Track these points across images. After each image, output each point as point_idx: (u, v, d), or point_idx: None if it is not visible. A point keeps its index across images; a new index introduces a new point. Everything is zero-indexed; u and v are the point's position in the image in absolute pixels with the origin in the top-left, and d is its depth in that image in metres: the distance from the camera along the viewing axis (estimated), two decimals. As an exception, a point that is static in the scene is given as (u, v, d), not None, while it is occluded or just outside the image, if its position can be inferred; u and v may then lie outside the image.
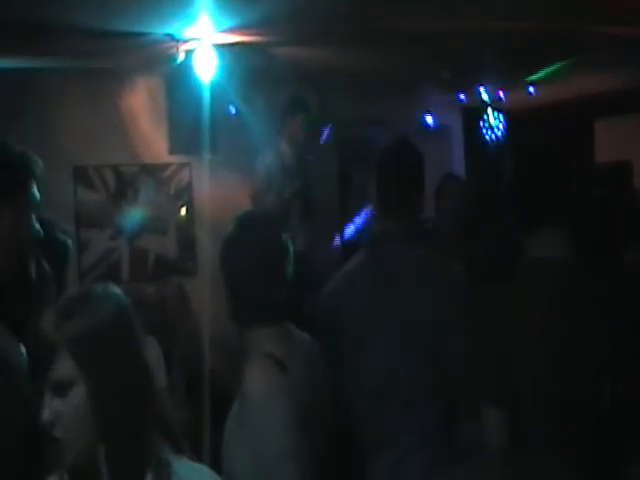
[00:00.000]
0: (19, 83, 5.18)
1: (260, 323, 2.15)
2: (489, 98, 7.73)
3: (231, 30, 4.66)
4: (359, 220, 7.27)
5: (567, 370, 2.11)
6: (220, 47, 4.93)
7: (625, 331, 2.14)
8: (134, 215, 5.91)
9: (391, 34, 4.92)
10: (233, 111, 5.97)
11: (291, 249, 2.24)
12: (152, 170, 6.09)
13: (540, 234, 2.24)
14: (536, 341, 2.14)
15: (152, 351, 5.10)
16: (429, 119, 7.77)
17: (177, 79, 5.52)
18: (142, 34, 4.64)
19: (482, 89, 7.49)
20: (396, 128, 7.11)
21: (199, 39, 4.83)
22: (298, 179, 5.88)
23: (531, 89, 7.41)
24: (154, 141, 6.10)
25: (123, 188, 5.92)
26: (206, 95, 5.07)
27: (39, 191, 2.02)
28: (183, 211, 6.21)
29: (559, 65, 6.28)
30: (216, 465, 2.13)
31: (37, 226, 2.02)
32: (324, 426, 2.20)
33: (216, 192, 5.75)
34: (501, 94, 7.60)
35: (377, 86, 6.60)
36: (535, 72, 6.59)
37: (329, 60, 5.67)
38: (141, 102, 6.01)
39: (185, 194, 6.22)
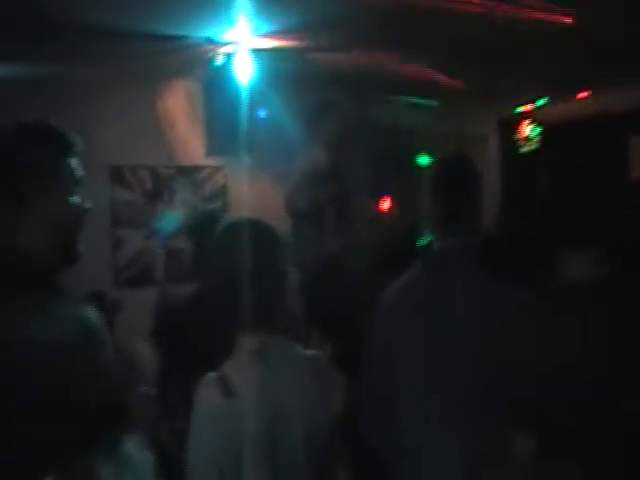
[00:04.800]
0: (59, 85, 5.26)
1: (243, 331, 2.12)
2: (527, 110, 7.70)
3: (269, 35, 4.71)
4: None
5: (595, 388, 2.07)
6: (258, 51, 4.98)
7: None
8: (170, 216, 5.97)
9: (428, 41, 4.93)
10: (263, 115, 6.01)
11: (288, 266, 2.19)
12: (188, 172, 6.16)
13: (575, 252, 2.18)
14: (572, 362, 2.08)
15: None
16: (464, 128, 7.76)
17: (214, 82, 5.58)
18: (181, 37, 4.70)
19: (519, 101, 7.46)
20: (430, 135, 7.12)
21: (237, 43, 4.89)
22: (333, 184, 5.90)
23: (567, 102, 7.37)
24: (190, 144, 6.16)
25: (159, 189, 5.98)
26: (243, 99, 5.12)
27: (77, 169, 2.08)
28: (218, 214, 6.25)
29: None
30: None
31: (79, 200, 2.06)
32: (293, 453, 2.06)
33: (250, 195, 5.79)
34: (539, 106, 7.57)
35: (415, 91, 6.61)
36: (576, 87, 6.57)
37: (366, 66, 5.69)
38: (178, 104, 6.08)
39: (220, 197, 6.27)
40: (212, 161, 6.26)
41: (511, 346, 2.18)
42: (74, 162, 2.05)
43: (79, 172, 2.07)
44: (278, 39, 4.85)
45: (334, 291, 3.90)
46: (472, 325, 2.40)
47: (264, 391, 2.02)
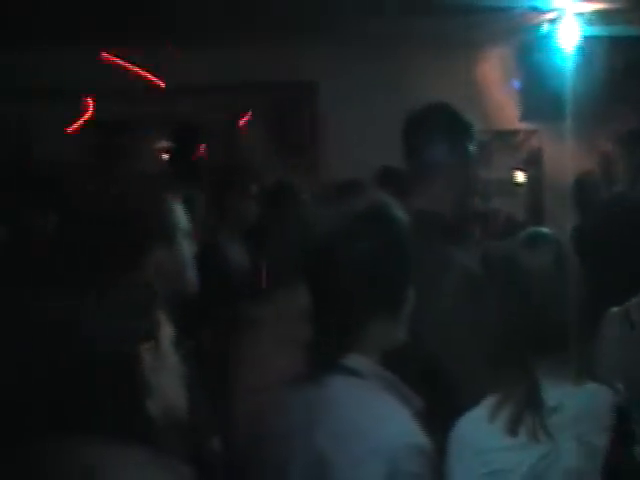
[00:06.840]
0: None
1: None
2: None
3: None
4: None
5: None
6: (581, 16, 5.09)
7: None
8: (488, 178, 6.25)
9: None
10: (516, 86, 6.09)
11: None
12: (504, 136, 6.41)
13: None
14: None
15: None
16: None
17: (535, 48, 5.75)
18: (508, 8, 4.93)
19: None
20: None
21: (561, 9, 5.04)
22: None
23: None
24: (506, 108, 6.39)
25: (477, 152, 6.28)
26: (563, 64, 5.24)
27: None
28: (521, 177, 6.44)
29: None
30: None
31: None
32: None
33: (565, 159, 5.89)
34: None
35: None
36: None
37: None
38: (496, 70, 6.31)
39: (534, 160, 6.46)
40: (526, 125, 6.47)
41: None
42: (473, 139, 2.40)
43: (474, 147, 2.41)
44: (601, 2, 4.92)
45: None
46: None
47: None
